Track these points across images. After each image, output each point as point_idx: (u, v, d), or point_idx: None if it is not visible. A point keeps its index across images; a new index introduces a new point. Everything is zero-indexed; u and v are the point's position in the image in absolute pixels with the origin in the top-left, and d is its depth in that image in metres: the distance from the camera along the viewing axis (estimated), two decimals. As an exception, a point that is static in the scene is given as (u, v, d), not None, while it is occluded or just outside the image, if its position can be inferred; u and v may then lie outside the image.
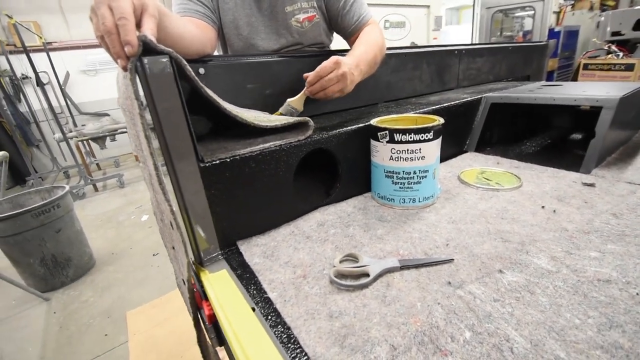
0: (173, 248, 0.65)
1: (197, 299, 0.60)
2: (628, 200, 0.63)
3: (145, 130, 0.46)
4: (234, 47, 0.90)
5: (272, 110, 0.77)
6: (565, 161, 0.86)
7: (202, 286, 0.60)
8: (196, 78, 0.50)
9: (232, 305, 0.46)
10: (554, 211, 0.63)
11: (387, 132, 0.65)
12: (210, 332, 0.58)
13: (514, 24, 4.71)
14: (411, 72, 1.11)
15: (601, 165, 0.80)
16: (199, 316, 0.63)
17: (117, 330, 1.62)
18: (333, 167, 0.76)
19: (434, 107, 0.89)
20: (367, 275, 0.48)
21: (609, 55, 1.40)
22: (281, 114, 0.74)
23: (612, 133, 0.80)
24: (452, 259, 0.51)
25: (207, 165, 0.53)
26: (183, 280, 0.66)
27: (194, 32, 0.68)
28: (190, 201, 0.53)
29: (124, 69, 0.44)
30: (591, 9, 5.07)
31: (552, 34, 4.24)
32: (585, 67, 1.29)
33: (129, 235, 2.63)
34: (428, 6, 4.43)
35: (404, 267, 0.50)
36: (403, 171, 0.66)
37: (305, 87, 0.73)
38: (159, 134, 0.48)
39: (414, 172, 0.66)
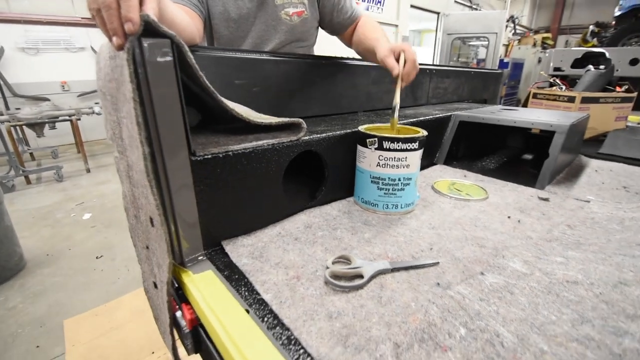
0: (147, 247, 0.60)
1: (173, 303, 0.56)
2: (578, 214, 0.72)
3: (137, 116, 0.42)
4: (223, 38, 0.88)
5: (257, 108, 0.75)
6: (522, 178, 0.96)
7: (178, 288, 0.56)
8: (196, 66, 0.47)
9: (222, 307, 0.44)
10: (519, 221, 0.69)
11: (376, 139, 0.67)
12: (186, 337, 0.54)
13: (470, 52, 5.19)
14: (388, 85, 1.16)
15: (552, 183, 0.91)
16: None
17: (52, 341, 1.44)
18: (316, 171, 0.76)
19: (412, 120, 0.95)
20: (362, 276, 0.49)
21: (554, 87, 1.60)
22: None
23: (561, 155, 0.91)
24: (438, 262, 0.53)
25: (199, 159, 0.51)
26: (155, 283, 0.61)
27: (186, 20, 0.64)
28: (177, 196, 0.50)
29: (120, 47, 0.40)
30: (534, 45, 5.80)
31: (502, 64, 4.73)
32: (535, 96, 1.47)
33: (68, 235, 2.37)
34: (397, 25, 4.70)
35: (394, 269, 0.51)
36: (389, 178, 0.69)
37: (400, 80, 0.75)
38: (152, 122, 0.44)
39: (399, 179, 0.69)
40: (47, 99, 4.18)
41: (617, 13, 4.27)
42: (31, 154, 4.14)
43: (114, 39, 0.40)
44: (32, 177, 3.46)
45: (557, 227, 0.66)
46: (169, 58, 0.43)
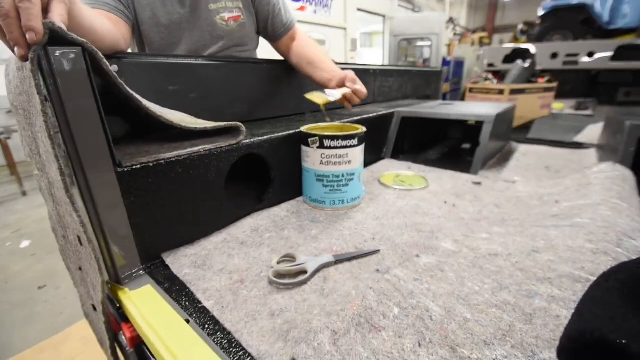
0: (80, 269, 0.56)
1: (113, 323, 0.53)
2: (505, 194, 0.79)
3: (48, 130, 0.40)
4: (155, 45, 0.84)
5: (196, 115, 0.74)
6: (459, 165, 1.04)
7: (119, 308, 0.53)
8: (114, 74, 0.45)
9: (162, 321, 0.43)
10: (454, 205, 0.75)
11: (317, 138, 0.69)
12: (130, 357, 0.52)
13: (416, 52, 5.49)
14: (334, 86, 1.19)
15: (485, 168, 0.99)
16: (116, 343, 0.56)
17: (-12, 389, 1.28)
18: (264, 174, 0.76)
19: (356, 118, 0.98)
20: (305, 272, 0.50)
21: (487, 82, 1.75)
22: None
23: (491, 143, 1.00)
24: (379, 250, 0.56)
25: (126, 170, 0.49)
26: (93, 306, 0.57)
27: (107, 25, 0.61)
28: (105, 212, 0.48)
29: (23, 58, 0.38)
30: (473, 44, 6.29)
31: (445, 62, 5.06)
32: (470, 90, 1.61)
33: (3, 267, 2.13)
34: (345, 28, 4.83)
35: (338, 261, 0.53)
36: (332, 175, 0.71)
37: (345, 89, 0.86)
38: (67, 135, 0.42)
39: (342, 176, 0.71)
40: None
41: (541, 13, 4.75)
42: (-47, 181, 3.66)
43: (16, 49, 0.37)
44: (-45, 207, 3.06)
45: (487, 207, 0.72)
46: (80, 67, 0.41)
